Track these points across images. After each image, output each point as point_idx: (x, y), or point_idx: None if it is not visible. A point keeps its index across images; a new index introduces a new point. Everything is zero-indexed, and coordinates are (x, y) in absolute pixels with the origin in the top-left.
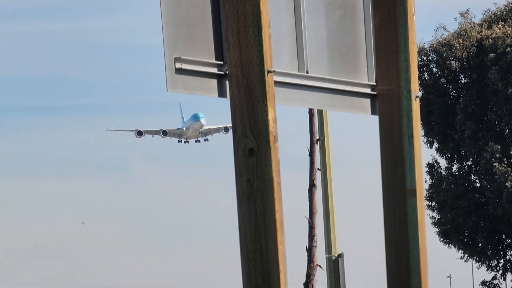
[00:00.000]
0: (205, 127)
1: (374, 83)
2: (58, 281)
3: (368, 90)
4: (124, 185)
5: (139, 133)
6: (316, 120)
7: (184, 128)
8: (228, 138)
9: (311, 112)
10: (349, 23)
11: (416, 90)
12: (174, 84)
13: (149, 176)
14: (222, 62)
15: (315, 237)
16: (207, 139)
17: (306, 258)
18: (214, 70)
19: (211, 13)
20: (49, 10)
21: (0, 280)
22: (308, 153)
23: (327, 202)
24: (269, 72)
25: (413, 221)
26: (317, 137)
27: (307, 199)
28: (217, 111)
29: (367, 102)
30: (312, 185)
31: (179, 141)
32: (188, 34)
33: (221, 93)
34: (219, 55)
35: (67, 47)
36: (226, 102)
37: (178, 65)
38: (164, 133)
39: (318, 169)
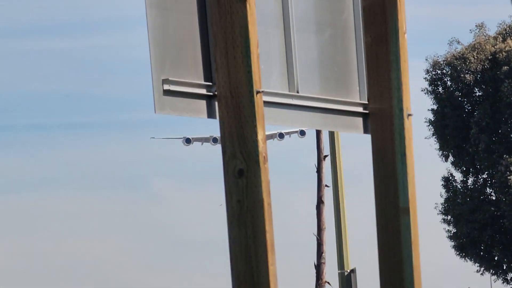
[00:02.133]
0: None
1: (366, 102)
2: None
3: (360, 109)
4: (143, 201)
5: (188, 141)
6: (323, 137)
7: None
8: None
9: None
10: (340, 42)
11: (408, 109)
12: (162, 106)
13: (169, 191)
14: (211, 83)
15: (323, 254)
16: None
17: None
18: (203, 91)
19: (199, 34)
20: (73, 26)
21: None
22: (316, 170)
23: (339, 217)
24: (258, 92)
25: (406, 240)
26: (324, 154)
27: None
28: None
29: (359, 121)
30: (320, 202)
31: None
32: (176, 55)
33: (210, 114)
34: (207, 76)
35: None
36: None
37: (166, 87)
38: (215, 140)
39: (326, 185)
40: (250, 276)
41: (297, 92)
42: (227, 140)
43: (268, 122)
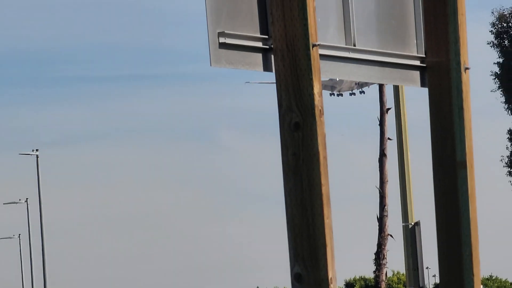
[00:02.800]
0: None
1: (424, 55)
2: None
3: (417, 62)
4: (210, 152)
5: None
6: (385, 90)
7: (338, 79)
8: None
9: None
10: None
11: (466, 62)
12: (218, 59)
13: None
14: (266, 36)
15: (386, 207)
16: (363, 91)
17: (378, 227)
18: (259, 44)
19: None
20: None
21: (86, 244)
22: (378, 123)
23: (403, 170)
24: (314, 45)
25: (463, 194)
26: (387, 107)
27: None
28: None
29: (416, 74)
30: (382, 155)
31: (331, 94)
32: (231, 8)
33: (266, 67)
34: (263, 29)
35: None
36: None
37: (222, 40)
38: None
39: (389, 138)
40: (306, 229)
41: (354, 45)
42: (283, 93)
43: (325, 75)
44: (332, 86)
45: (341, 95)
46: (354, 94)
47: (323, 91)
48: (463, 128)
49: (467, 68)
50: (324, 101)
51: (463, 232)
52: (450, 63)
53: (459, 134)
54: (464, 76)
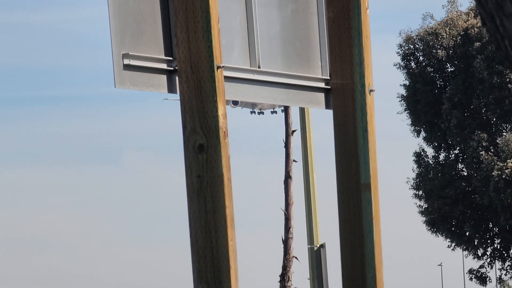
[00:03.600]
0: None
1: (328, 78)
2: (48, 272)
3: (322, 85)
4: (115, 175)
5: None
6: (291, 112)
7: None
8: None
9: None
10: (302, 17)
11: (370, 84)
12: (122, 80)
13: (141, 165)
14: (171, 58)
15: (291, 229)
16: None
17: (283, 250)
18: (164, 66)
19: (160, 8)
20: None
21: None
22: (284, 145)
23: (308, 192)
24: (218, 67)
25: (368, 216)
26: (293, 129)
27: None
28: None
29: (321, 96)
30: (288, 177)
31: (251, 112)
32: (136, 30)
33: (171, 89)
34: (168, 50)
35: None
36: None
37: (126, 61)
38: (235, 102)
39: (294, 160)
40: (209, 251)
41: (259, 67)
42: (188, 115)
43: (229, 97)
44: (253, 104)
45: (262, 113)
46: (275, 112)
47: (244, 108)
48: (367, 150)
49: (371, 90)
50: (244, 119)
51: (367, 254)
52: (354, 85)
53: (364, 156)
54: (368, 98)
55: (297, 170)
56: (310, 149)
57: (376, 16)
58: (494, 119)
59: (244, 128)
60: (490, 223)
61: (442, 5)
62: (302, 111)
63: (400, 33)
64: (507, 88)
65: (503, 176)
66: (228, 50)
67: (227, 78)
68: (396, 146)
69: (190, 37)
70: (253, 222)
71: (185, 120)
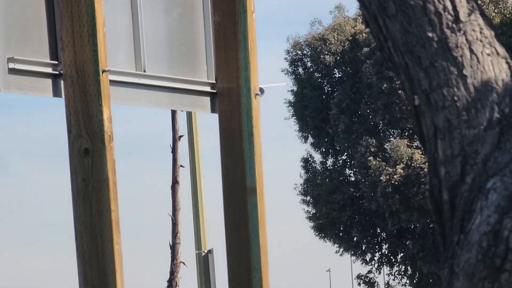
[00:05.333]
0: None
1: (214, 81)
2: None
3: (208, 88)
4: (2, 183)
5: None
6: (178, 117)
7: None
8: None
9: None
10: (188, 21)
11: (256, 88)
12: (8, 85)
13: (29, 172)
14: (56, 62)
15: (178, 234)
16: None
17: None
18: (49, 70)
19: (45, 12)
20: None
21: None
22: (171, 150)
23: (196, 198)
24: (104, 71)
25: (253, 220)
26: (180, 134)
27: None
28: None
29: (207, 100)
30: (175, 182)
31: None
32: (21, 34)
33: (56, 93)
34: (53, 55)
35: None
36: None
37: (11, 65)
38: None
39: (181, 165)
40: (95, 255)
41: (144, 71)
42: (73, 119)
43: (115, 101)
44: None
45: None
46: None
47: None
48: (253, 154)
49: (257, 94)
50: (135, 123)
51: (253, 258)
52: (240, 89)
53: (249, 160)
54: (254, 102)
55: (186, 175)
56: (198, 154)
57: (267, 22)
58: (382, 125)
59: (136, 133)
60: (378, 229)
61: (330, 11)
62: (189, 116)
63: (288, 39)
64: (396, 93)
65: (392, 182)
66: (114, 54)
67: (113, 82)
68: (284, 152)
69: (76, 41)
70: (142, 227)
71: (70, 124)
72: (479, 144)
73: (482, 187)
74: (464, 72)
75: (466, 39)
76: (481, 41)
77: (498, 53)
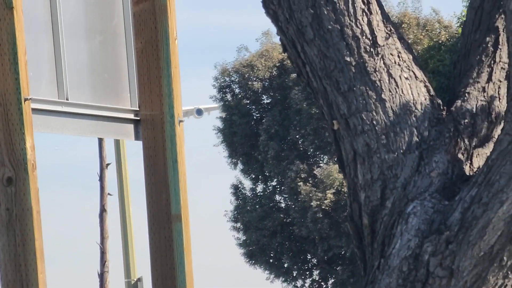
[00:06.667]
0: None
1: (138, 109)
2: None
3: (131, 116)
4: None
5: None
6: (105, 144)
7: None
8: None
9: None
10: (110, 48)
11: (179, 115)
12: None
13: None
14: None
15: (106, 263)
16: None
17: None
18: None
19: None
20: None
21: None
22: (98, 178)
23: (125, 226)
24: (26, 99)
25: (179, 247)
26: (107, 162)
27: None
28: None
29: (130, 127)
30: (103, 210)
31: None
32: None
33: None
34: None
35: None
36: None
37: None
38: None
39: (109, 194)
40: (19, 285)
41: (67, 99)
42: None
43: (38, 130)
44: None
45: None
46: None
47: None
48: (177, 181)
49: (181, 121)
50: (59, 152)
51: (179, 285)
52: (164, 116)
53: (174, 187)
54: (178, 129)
55: (114, 203)
56: (126, 181)
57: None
58: (312, 150)
59: (63, 160)
60: (309, 254)
61: (256, 38)
62: (117, 143)
63: (215, 66)
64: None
65: (322, 207)
66: (36, 82)
67: (35, 110)
68: (214, 179)
69: None
70: (69, 256)
71: None
72: (399, 168)
73: (402, 211)
74: (383, 96)
75: (384, 63)
76: (399, 64)
77: (416, 77)
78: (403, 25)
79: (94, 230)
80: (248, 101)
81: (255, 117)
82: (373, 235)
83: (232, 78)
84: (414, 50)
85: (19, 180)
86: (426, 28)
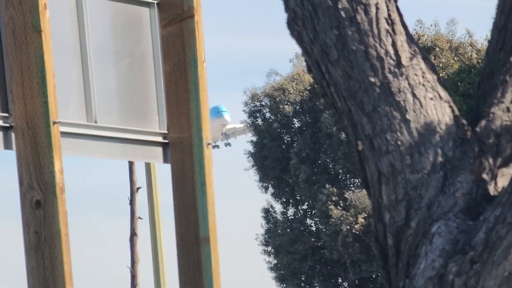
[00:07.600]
0: (229, 126)
1: (166, 131)
2: None
3: (159, 139)
4: None
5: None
6: (135, 168)
7: None
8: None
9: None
10: (139, 72)
11: (207, 137)
12: None
13: None
14: (7, 114)
15: (137, 287)
16: (229, 144)
17: None
18: (0, 123)
19: None
20: None
21: None
22: (129, 202)
23: (156, 250)
24: (54, 123)
25: (207, 269)
26: (138, 186)
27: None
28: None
29: (158, 150)
30: (133, 234)
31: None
32: None
33: (7, 146)
34: (4, 107)
35: None
36: None
37: None
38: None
39: (139, 217)
40: None
41: (95, 122)
42: (24, 171)
43: (67, 153)
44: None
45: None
46: (218, 146)
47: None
48: (206, 204)
49: (209, 144)
50: (92, 175)
51: None
52: (192, 138)
53: (202, 209)
54: (206, 151)
55: (145, 227)
56: (157, 205)
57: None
58: (342, 173)
59: (93, 184)
60: (340, 278)
61: (289, 59)
62: (148, 167)
63: (245, 91)
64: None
65: (353, 231)
66: (65, 105)
67: (64, 134)
68: (245, 202)
69: (26, 93)
70: (100, 280)
71: (21, 176)
72: (423, 188)
73: (427, 231)
74: (407, 116)
75: (409, 84)
76: (423, 85)
77: (440, 97)
78: (436, 49)
79: (125, 254)
80: (279, 125)
81: (286, 141)
82: (398, 256)
83: (263, 103)
84: (445, 73)
85: (48, 203)
86: (459, 51)
